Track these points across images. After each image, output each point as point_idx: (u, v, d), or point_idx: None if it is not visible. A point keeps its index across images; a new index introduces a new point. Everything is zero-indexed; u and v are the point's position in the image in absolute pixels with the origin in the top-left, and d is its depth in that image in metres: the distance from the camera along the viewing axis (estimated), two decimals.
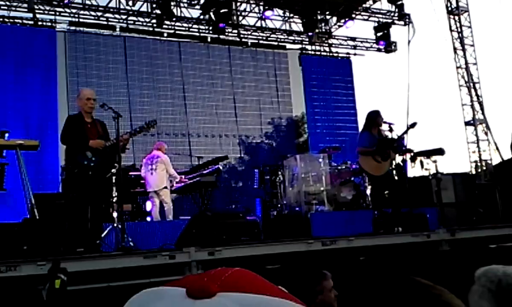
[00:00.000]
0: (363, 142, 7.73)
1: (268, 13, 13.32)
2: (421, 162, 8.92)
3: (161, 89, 12.66)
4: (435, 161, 8.99)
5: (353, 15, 13.98)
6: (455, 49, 15.18)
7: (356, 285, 4.30)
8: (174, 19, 12.46)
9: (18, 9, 11.05)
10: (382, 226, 7.29)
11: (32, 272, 4.46)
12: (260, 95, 14.01)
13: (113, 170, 6.21)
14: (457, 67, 15.17)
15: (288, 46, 14.51)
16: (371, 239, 6.39)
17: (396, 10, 14.34)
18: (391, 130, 7.70)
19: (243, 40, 13.77)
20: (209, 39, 13.26)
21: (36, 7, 11.05)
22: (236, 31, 13.52)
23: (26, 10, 10.98)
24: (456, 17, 15.16)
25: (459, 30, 15.15)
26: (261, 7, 13.38)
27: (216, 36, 13.12)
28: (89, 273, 4.70)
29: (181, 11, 12.70)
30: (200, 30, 13.16)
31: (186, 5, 12.73)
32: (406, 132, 7.60)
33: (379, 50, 14.83)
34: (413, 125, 7.56)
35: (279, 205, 9.38)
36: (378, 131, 7.68)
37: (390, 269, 5.76)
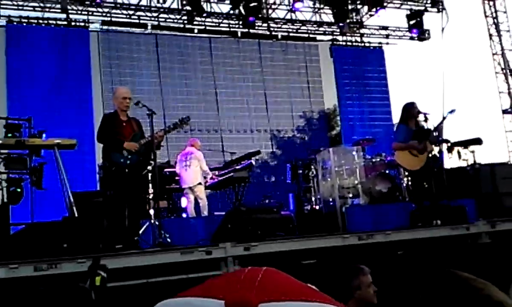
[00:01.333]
0: (399, 136, 7.59)
1: (298, 5, 13.22)
2: (459, 153, 8.74)
3: (192, 85, 12.74)
4: (472, 151, 8.79)
5: (385, 4, 13.76)
6: (490, 35, 14.80)
7: (395, 280, 4.24)
8: (204, 15, 12.50)
9: (52, 10, 11.27)
10: (420, 219, 7.15)
11: (72, 270, 4.54)
12: (291, 89, 13.94)
13: (149, 168, 6.28)
14: (493, 54, 14.79)
15: (319, 37, 14.40)
16: (409, 233, 6.28)
17: None
18: (426, 120, 7.54)
19: (273, 33, 13.71)
20: (239, 34, 13.27)
21: (69, 7, 11.25)
22: (266, 24, 13.47)
23: (59, 10, 11.19)
24: (491, 2, 14.76)
25: (494, 15, 14.76)
26: None
27: (246, 30, 13.11)
28: (128, 270, 4.77)
29: (211, 7, 12.73)
30: (230, 25, 13.17)
31: (216, 0, 12.74)
32: (443, 121, 7.41)
33: (412, 38, 14.56)
34: (451, 112, 7.35)
35: (312, 200, 9.32)
36: (416, 123, 7.53)
37: (429, 263, 5.66)
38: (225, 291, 0.61)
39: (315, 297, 0.61)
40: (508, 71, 14.59)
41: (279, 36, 13.81)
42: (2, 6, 10.83)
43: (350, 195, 8.35)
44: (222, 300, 0.59)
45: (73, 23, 11.46)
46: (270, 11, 13.56)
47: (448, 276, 0.94)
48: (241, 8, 12.53)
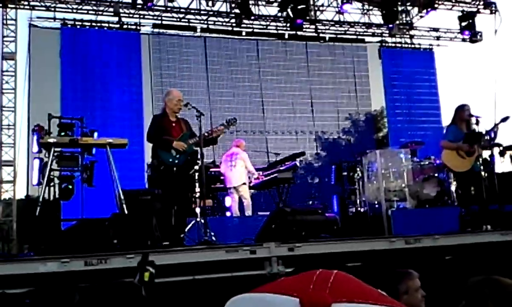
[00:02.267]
0: (447, 136, 7.58)
1: (346, 6, 13.09)
2: (511, 157, 8.46)
3: (239, 87, 12.87)
4: None
5: (436, 5, 13.46)
6: None
7: (443, 286, 4.16)
8: (252, 17, 12.60)
9: (104, 13, 11.64)
10: (469, 224, 6.98)
11: (121, 265, 4.66)
12: (338, 90, 13.85)
13: (196, 167, 6.40)
14: None
15: (367, 39, 14.22)
16: (458, 238, 6.12)
17: None
18: (477, 123, 7.38)
19: (321, 35, 13.65)
20: (286, 36, 13.29)
21: (121, 11, 11.58)
22: (313, 26, 13.44)
23: (112, 14, 11.54)
24: None
25: None
26: (339, 1, 13.19)
27: (294, 32, 13.12)
28: (175, 266, 4.86)
29: (259, 9, 12.81)
30: (278, 28, 13.21)
31: (264, 3, 12.82)
32: (495, 126, 7.23)
33: (463, 40, 14.19)
34: (504, 119, 7.19)
35: (357, 202, 9.23)
36: (467, 126, 7.39)
37: (477, 269, 5.51)
38: (299, 289, 0.61)
39: (385, 302, 0.62)
40: None
41: (327, 38, 13.74)
42: (57, 9, 11.27)
43: (397, 198, 8.21)
44: (297, 298, 0.60)
45: (125, 26, 11.78)
46: (318, 13, 13.51)
47: (492, 283, 0.94)
48: (289, 10, 12.54)
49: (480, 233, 6.41)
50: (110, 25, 11.71)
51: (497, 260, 5.84)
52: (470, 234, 6.34)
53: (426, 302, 3.64)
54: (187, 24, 12.39)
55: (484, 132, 7.28)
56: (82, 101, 10.76)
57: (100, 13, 11.61)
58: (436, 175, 8.77)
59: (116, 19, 11.69)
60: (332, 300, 0.59)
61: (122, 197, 6.07)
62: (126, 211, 6.01)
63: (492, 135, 7.27)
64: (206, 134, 6.26)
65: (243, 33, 12.89)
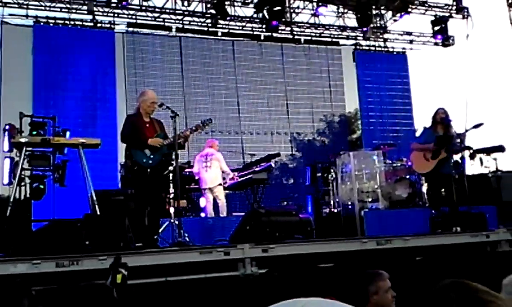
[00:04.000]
0: (419, 138, 7.86)
1: (321, 9, 13.22)
2: (481, 160, 8.66)
3: (215, 88, 12.84)
4: (495, 159, 8.71)
5: (409, 9, 13.67)
6: None
7: (412, 287, 4.23)
8: (228, 18, 12.59)
9: (78, 11, 11.48)
10: (440, 225, 7.12)
11: (93, 267, 4.62)
12: (313, 92, 13.95)
13: (170, 168, 6.38)
14: None
15: (342, 42, 14.35)
16: (428, 239, 6.25)
17: (454, 3, 13.90)
18: (449, 127, 7.52)
19: (296, 37, 13.73)
20: (262, 37, 13.32)
21: (95, 9, 11.44)
22: (289, 28, 13.51)
23: (86, 12, 11.39)
24: None
25: None
26: (314, 4, 13.30)
27: (269, 34, 13.16)
28: (148, 268, 4.84)
29: (235, 10, 12.82)
30: (254, 29, 13.23)
31: (240, 4, 12.82)
32: (466, 132, 7.39)
33: (436, 44, 14.43)
34: (477, 125, 7.34)
35: (331, 203, 9.32)
36: (444, 129, 7.51)
37: (447, 270, 5.62)
38: None
39: None
40: None
41: (302, 40, 13.82)
42: (29, 6, 11.08)
43: (369, 199, 8.34)
44: None
45: (99, 25, 11.65)
46: (293, 15, 13.59)
47: (459, 287, 0.95)
48: (264, 12, 12.57)
49: (450, 234, 6.55)
50: (84, 23, 11.56)
51: (466, 261, 5.97)
52: (440, 236, 6.47)
53: (396, 303, 3.70)
54: (162, 23, 12.32)
55: (455, 135, 7.42)
56: (55, 100, 10.60)
57: (73, 11, 11.44)
58: (407, 177, 8.93)
59: (90, 17, 11.55)
60: None
61: (94, 197, 6.01)
62: (98, 212, 5.95)
63: (462, 139, 7.42)
64: (171, 140, 6.21)
65: (219, 34, 12.87)
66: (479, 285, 0.97)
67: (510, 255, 6.27)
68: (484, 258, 6.10)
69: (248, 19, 13.06)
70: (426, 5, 13.94)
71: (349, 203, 8.53)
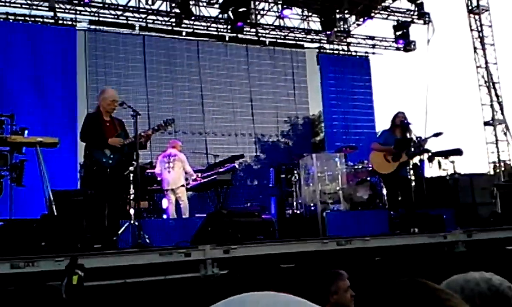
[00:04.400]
0: (379, 139, 7.92)
1: (286, 12, 13.31)
2: (439, 163, 8.86)
3: (179, 87, 12.75)
4: (453, 162, 8.93)
5: (372, 14, 13.91)
6: (475, 48, 15.01)
7: (371, 286, 4.29)
8: (193, 18, 12.53)
9: (39, 8, 11.22)
10: (398, 226, 7.26)
11: (50, 268, 4.52)
12: (277, 94, 14.02)
13: (131, 168, 6.29)
14: (477, 67, 15.00)
15: (306, 45, 14.51)
16: (387, 240, 6.36)
17: (416, 9, 14.23)
18: (408, 130, 7.67)
19: (261, 39, 13.79)
20: (227, 38, 13.31)
21: (56, 6, 11.19)
22: (254, 30, 13.54)
23: (47, 8, 11.14)
24: (477, 16, 14.99)
25: (479, 29, 14.97)
26: (280, 6, 13.37)
27: (234, 35, 13.16)
28: (106, 270, 4.76)
29: (199, 10, 12.77)
30: (219, 29, 13.21)
31: (205, 4, 12.78)
32: (426, 140, 7.56)
33: (398, 49, 14.74)
34: (437, 134, 7.53)
35: (294, 204, 9.37)
36: (402, 132, 7.66)
37: (406, 270, 5.73)
38: None
39: None
40: (491, 84, 14.80)
41: (267, 42, 13.89)
42: None
43: (331, 201, 8.42)
44: None
45: (60, 22, 11.41)
46: (258, 17, 13.64)
47: (415, 286, 0.96)
48: (230, 12, 12.58)
49: (408, 235, 6.68)
50: (45, 20, 11.30)
51: (424, 261, 6.10)
52: (399, 236, 6.59)
53: (355, 302, 3.75)
54: (125, 22, 12.16)
55: (414, 139, 7.57)
56: (13, 97, 10.30)
57: (34, 7, 11.17)
58: (368, 179, 9.07)
59: (51, 14, 11.29)
60: None
61: (52, 197, 5.87)
62: (56, 212, 5.82)
63: (422, 142, 7.58)
64: (132, 139, 6.13)
65: (183, 33, 12.80)
66: (435, 284, 0.99)
67: (466, 256, 6.43)
68: (442, 259, 6.24)
69: (213, 20, 13.03)
70: (389, 10, 14.22)
71: (312, 204, 8.59)
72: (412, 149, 7.52)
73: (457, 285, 1.49)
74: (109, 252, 5.09)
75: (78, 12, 11.62)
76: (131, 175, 6.44)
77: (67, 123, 10.47)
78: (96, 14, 11.79)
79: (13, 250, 4.82)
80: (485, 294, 1.44)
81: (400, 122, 7.67)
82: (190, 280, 5.07)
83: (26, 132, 6.52)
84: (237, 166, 9.89)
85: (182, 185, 8.85)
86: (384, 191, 8.76)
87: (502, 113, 14.70)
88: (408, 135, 7.66)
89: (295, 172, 9.39)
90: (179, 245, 5.82)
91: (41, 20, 11.26)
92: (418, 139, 7.60)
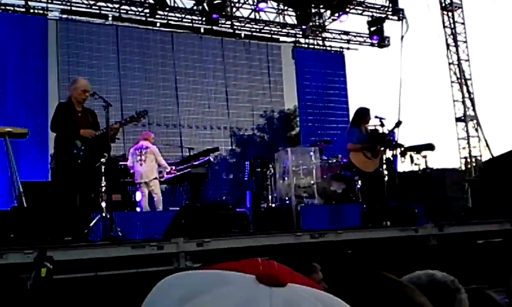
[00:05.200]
0: (352, 138, 7.75)
1: (262, 5, 13.25)
2: (411, 157, 8.97)
3: (152, 79, 12.61)
4: (425, 157, 9.05)
5: (347, 9, 13.96)
6: (448, 45, 15.20)
7: (343, 279, 4.32)
8: (167, 9, 12.39)
9: None
10: (371, 220, 7.32)
11: (19, 261, 4.43)
12: (253, 88, 14.00)
13: (103, 160, 6.19)
14: (450, 63, 15.20)
15: (282, 38, 14.48)
16: (359, 233, 6.42)
17: (390, 5, 14.35)
18: (382, 125, 7.73)
19: (236, 31, 13.70)
20: (202, 30, 13.21)
21: None
22: (229, 22, 13.46)
23: None
24: (450, 14, 15.17)
25: (452, 26, 15.16)
26: None
27: (209, 27, 13.06)
28: (77, 262, 4.68)
29: (174, 1, 12.62)
30: (193, 21, 13.08)
31: None
32: (393, 129, 7.64)
33: (372, 44, 14.83)
34: (398, 124, 7.62)
35: (269, 198, 9.39)
36: (366, 128, 7.73)
37: (378, 263, 5.79)
38: (251, 269, 0.59)
39: (320, 288, 0.61)
40: (463, 80, 15.03)
41: (242, 35, 13.82)
42: None
43: (306, 195, 8.46)
44: (252, 275, 0.58)
45: (31, 11, 11.14)
46: (234, 9, 13.54)
47: (377, 278, 0.98)
48: (205, 4, 12.47)
49: (380, 228, 6.75)
50: (16, 8, 11.02)
51: (395, 254, 6.17)
52: (371, 230, 6.65)
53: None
54: (98, 11, 11.93)
55: (386, 133, 7.64)
56: None
57: None
58: (342, 173, 9.13)
59: (22, 2, 11.02)
60: (287, 280, 0.58)
61: (21, 189, 5.75)
62: (25, 204, 5.70)
63: (394, 136, 7.66)
64: (103, 130, 6.02)
65: (158, 24, 12.64)
66: (393, 276, 1.01)
67: (437, 249, 6.53)
68: (413, 252, 6.32)
69: (188, 11, 12.89)
70: (363, 5, 14.29)
71: (287, 198, 8.62)
72: (387, 143, 7.60)
73: (418, 280, 1.53)
74: (80, 245, 5.01)
75: (49, 1, 11.35)
76: (103, 167, 6.33)
77: (38, 113, 10.24)
78: (68, 3, 11.53)
79: None
80: (424, 285, 1.48)
81: (369, 120, 7.70)
82: (163, 274, 5.02)
83: None
84: (212, 159, 9.85)
85: (155, 178, 8.76)
86: (358, 185, 8.83)
87: (474, 110, 14.95)
88: (380, 129, 7.73)
89: (270, 166, 9.40)
90: (152, 238, 5.76)
91: (11, 8, 10.98)
92: (390, 132, 7.68)
